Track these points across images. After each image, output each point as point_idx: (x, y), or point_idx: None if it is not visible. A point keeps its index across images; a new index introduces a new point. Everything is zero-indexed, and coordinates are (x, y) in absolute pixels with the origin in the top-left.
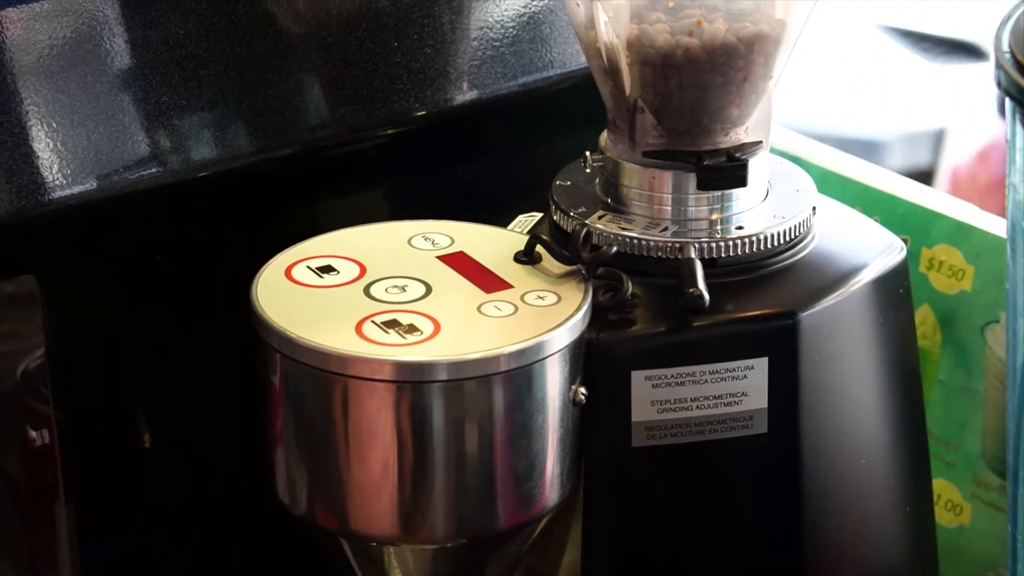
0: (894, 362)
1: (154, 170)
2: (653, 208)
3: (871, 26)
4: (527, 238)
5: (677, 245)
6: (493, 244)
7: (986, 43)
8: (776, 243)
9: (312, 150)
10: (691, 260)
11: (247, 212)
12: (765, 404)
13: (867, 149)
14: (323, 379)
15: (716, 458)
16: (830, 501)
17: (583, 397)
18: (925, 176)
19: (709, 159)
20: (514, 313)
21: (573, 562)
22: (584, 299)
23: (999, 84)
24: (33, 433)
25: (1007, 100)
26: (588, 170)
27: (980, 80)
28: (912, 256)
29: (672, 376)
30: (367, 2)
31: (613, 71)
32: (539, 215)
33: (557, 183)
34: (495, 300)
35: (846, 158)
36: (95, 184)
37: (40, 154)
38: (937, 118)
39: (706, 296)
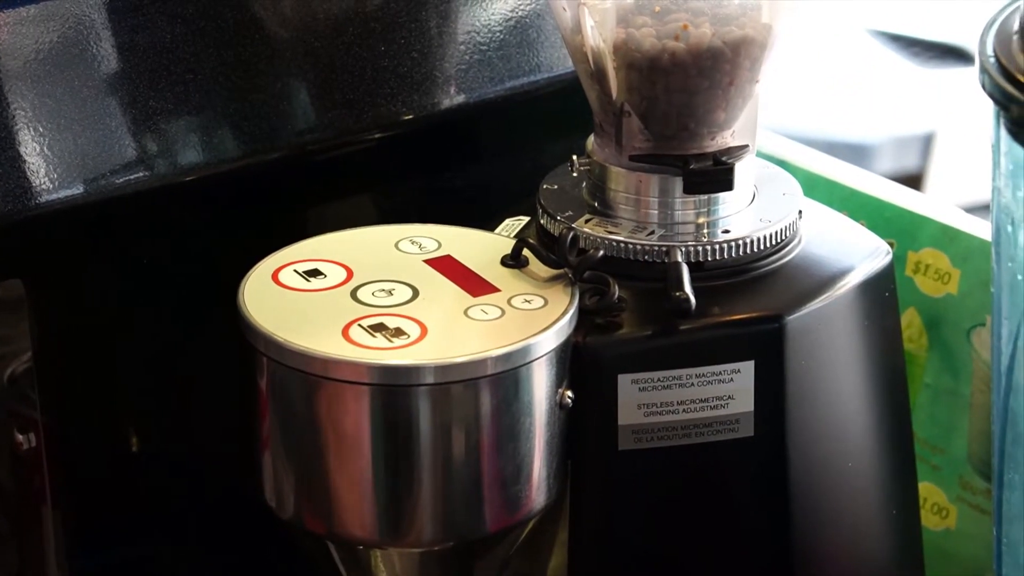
0: (880, 366)
1: (142, 174)
2: (640, 212)
3: (859, 30)
4: (514, 242)
5: (664, 249)
6: (480, 248)
7: (974, 47)
8: (762, 247)
9: (300, 154)
10: (678, 264)
11: (234, 216)
12: (751, 407)
13: (855, 153)
14: (310, 383)
15: (702, 461)
16: (817, 504)
17: (570, 400)
18: (913, 180)
19: (695, 163)
20: (501, 317)
21: (560, 565)
22: (571, 303)
23: (984, 88)
24: (20, 437)
25: (992, 104)
26: (575, 174)
27: (969, 84)
28: (898, 260)
29: (659, 379)
30: (354, 7)
31: (600, 75)
32: (526, 219)
33: (544, 187)
34: (482, 304)
35: (833, 162)
36: (82, 188)
37: (27, 158)
38: (925, 122)
39: (692, 300)
